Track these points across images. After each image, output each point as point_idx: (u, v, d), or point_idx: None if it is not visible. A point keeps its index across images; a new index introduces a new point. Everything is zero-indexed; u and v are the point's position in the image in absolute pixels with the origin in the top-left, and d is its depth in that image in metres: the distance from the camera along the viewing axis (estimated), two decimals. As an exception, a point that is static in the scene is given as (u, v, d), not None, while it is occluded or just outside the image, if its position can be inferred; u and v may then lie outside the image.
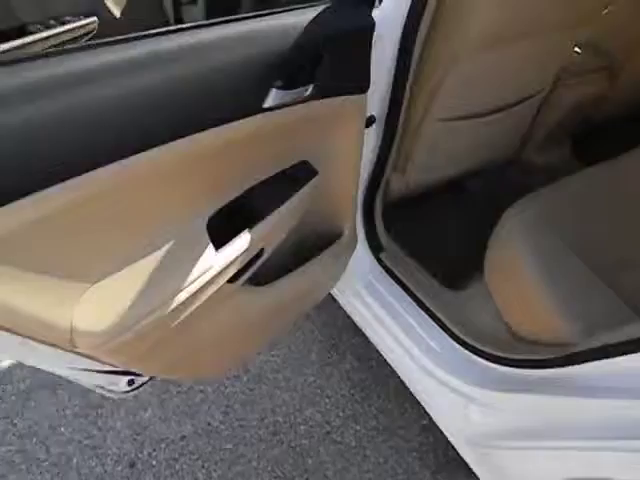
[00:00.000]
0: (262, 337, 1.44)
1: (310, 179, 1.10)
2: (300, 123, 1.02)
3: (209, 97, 0.82)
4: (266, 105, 0.89)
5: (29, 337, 0.77)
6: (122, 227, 0.82)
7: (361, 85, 1.10)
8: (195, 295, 0.91)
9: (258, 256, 1.05)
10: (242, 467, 1.61)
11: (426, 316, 1.50)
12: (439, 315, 1.47)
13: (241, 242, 0.96)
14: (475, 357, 1.35)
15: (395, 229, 1.71)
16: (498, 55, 1.41)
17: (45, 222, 0.70)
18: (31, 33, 1.21)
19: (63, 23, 1.32)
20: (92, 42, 0.73)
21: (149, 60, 0.75)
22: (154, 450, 1.64)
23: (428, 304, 1.50)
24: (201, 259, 0.89)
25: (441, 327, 1.45)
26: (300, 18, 0.91)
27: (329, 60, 0.97)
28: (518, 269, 1.35)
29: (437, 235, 1.80)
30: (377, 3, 1.07)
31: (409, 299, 1.54)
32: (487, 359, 1.34)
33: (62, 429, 1.68)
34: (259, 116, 0.90)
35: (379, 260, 1.62)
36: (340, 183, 1.24)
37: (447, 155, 1.77)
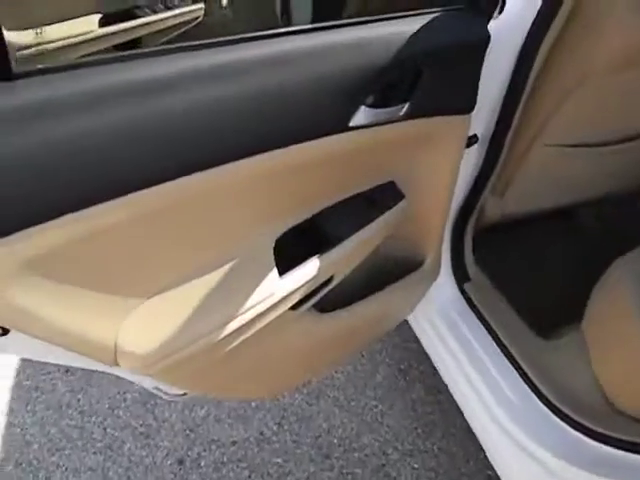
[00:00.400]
0: (324, 364, 1.35)
1: (396, 203, 1.00)
2: (389, 143, 0.92)
3: (291, 111, 0.74)
4: (353, 123, 0.80)
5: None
6: (180, 244, 0.76)
7: (465, 105, 0.98)
8: (252, 322, 0.84)
9: (326, 283, 0.97)
10: (288, 485, 1.54)
11: (507, 363, 1.34)
12: (523, 364, 1.30)
13: (309, 269, 0.88)
14: (561, 423, 1.17)
15: (485, 258, 1.56)
16: (631, 78, 1.24)
17: (99, 236, 0.65)
18: (139, 17, 1.21)
19: (170, 8, 1.30)
20: (171, 46, 0.68)
21: (228, 69, 0.68)
22: (204, 450, 1.60)
23: (511, 349, 1.34)
24: (263, 285, 0.82)
25: (524, 379, 1.28)
26: (401, 28, 0.81)
27: (430, 76, 0.86)
28: (623, 327, 1.16)
29: (533, 270, 1.61)
30: (496, 14, 0.95)
31: (490, 339, 1.39)
32: (577, 429, 1.16)
33: (120, 412, 1.69)
34: (344, 135, 0.81)
35: (462, 291, 1.49)
36: (429, 209, 1.13)
37: (557, 183, 1.59)
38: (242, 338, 0.85)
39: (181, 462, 1.58)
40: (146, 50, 0.65)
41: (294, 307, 0.94)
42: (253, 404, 1.72)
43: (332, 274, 0.96)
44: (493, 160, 1.30)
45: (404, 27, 0.81)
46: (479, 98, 1.19)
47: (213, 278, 0.80)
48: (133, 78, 0.62)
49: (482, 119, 1.23)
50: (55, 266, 0.63)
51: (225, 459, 1.59)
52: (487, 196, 1.53)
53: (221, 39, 0.70)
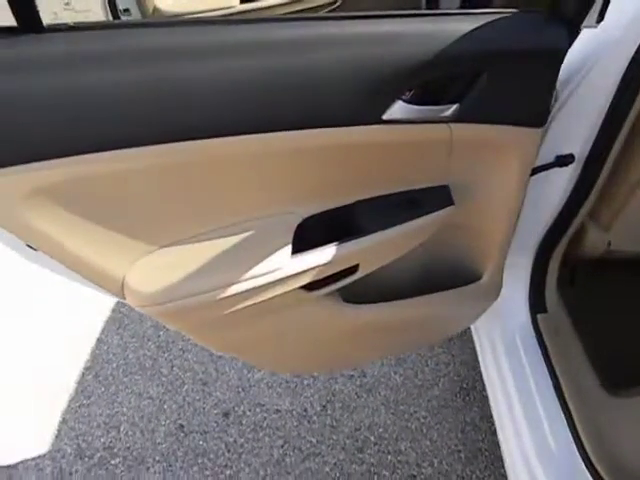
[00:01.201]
0: (347, 357, 1.33)
1: (440, 208, 0.96)
2: (437, 145, 0.88)
3: (325, 94, 0.75)
4: (387, 116, 0.79)
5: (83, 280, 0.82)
6: (201, 202, 0.81)
7: (534, 119, 0.90)
8: (257, 290, 0.87)
9: (351, 271, 0.97)
10: (315, 465, 1.57)
11: (560, 411, 1.20)
12: (576, 416, 1.16)
13: (326, 253, 0.89)
14: None
15: (570, 293, 1.42)
16: None
17: (119, 179, 0.71)
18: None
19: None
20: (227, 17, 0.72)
21: (279, 44, 0.72)
22: (249, 410, 1.69)
23: (569, 397, 1.20)
24: (272, 258, 0.84)
25: (572, 433, 1.14)
26: (461, 25, 0.77)
27: (489, 80, 0.81)
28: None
29: (622, 318, 1.43)
30: (594, 21, 0.85)
31: (548, 380, 1.26)
32: None
33: (189, 356, 1.85)
34: (377, 127, 0.80)
35: (534, 321, 1.37)
36: (485, 224, 1.06)
37: None
38: (246, 303, 0.89)
39: (226, 415, 1.69)
40: (185, 20, 0.71)
41: (312, 288, 0.96)
42: (305, 381, 1.77)
43: (356, 263, 0.95)
44: (589, 184, 1.18)
45: (464, 24, 0.77)
46: (580, 115, 1.08)
47: (226, 241, 0.84)
48: (158, 43, 0.68)
49: (580, 138, 1.12)
50: (74, 198, 0.71)
51: (265, 424, 1.66)
52: (588, 225, 1.38)
53: (265, 17, 0.74)
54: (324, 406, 1.71)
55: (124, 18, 1.76)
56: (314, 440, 1.63)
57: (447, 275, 1.17)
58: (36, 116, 0.63)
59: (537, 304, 1.38)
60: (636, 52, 0.95)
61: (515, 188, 1.00)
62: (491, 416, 1.65)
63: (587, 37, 0.92)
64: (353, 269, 0.96)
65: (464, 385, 1.76)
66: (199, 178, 0.78)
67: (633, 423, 1.19)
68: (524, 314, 1.39)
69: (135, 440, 1.64)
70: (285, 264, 0.86)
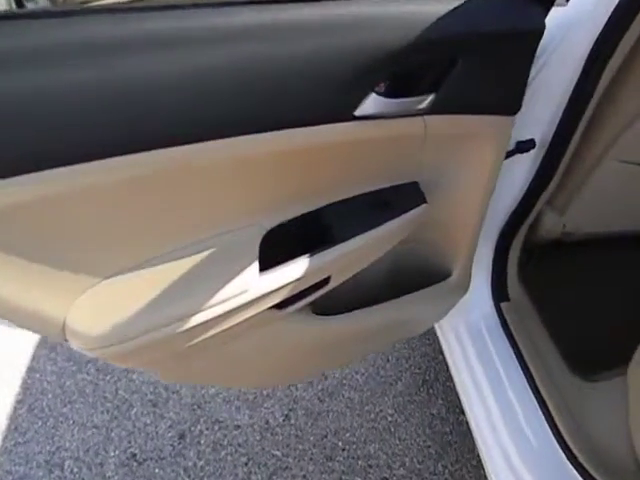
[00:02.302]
0: (318, 366, 1.26)
1: (413, 207, 0.89)
2: (409, 140, 0.80)
3: (287, 91, 0.65)
4: (360, 112, 0.70)
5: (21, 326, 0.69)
6: (156, 221, 0.69)
7: (509, 106, 0.84)
8: (222, 317, 0.76)
9: (322, 284, 0.88)
10: (283, 481, 1.49)
11: (532, 397, 1.19)
12: (549, 401, 1.15)
13: (298, 268, 0.79)
14: (578, 476, 1.02)
15: (531, 279, 1.40)
16: None
17: (54, 204, 0.59)
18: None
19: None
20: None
21: (215, 33, 0.60)
22: (207, 429, 1.58)
23: (540, 383, 1.19)
24: (238, 280, 0.74)
25: (547, 419, 1.13)
26: (433, 7, 0.69)
27: (466, 67, 0.74)
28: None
29: (585, 300, 1.44)
30: (562, 1, 0.80)
31: (518, 368, 1.24)
32: None
33: (134, 376, 1.70)
34: (349, 124, 0.71)
35: (498, 310, 1.34)
36: (458, 217, 1.00)
37: (629, 205, 1.40)
38: (210, 333, 0.78)
39: (182, 436, 1.56)
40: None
41: (281, 306, 0.86)
42: (264, 392, 1.67)
43: (328, 275, 0.87)
44: (551, 170, 1.15)
45: (439, 6, 0.69)
46: (541, 99, 1.04)
47: (181, 265, 0.73)
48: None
49: (542, 123, 1.08)
50: (3, 229, 0.59)
51: (225, 442, 1.55)
52: (544, 210, 1.37)
53: (215, 1, 0.62)
54: (286, 416, 1.62)
55: (30, 5, 1.55)
56: (279, 453, 1.54)
57: (415, 275, 1.11)
58: None
59: (500, 293, 1.36)
60: (602, 32, 0.91)
61: (487, 179, 0.94)
62: (456, 406, 1.63)
63: (552, 16, 0.87)
64: (325, 281, 0.88)
65: (426, 377, 1.73)
66: (145, 194, 0.66)
67: (606, 407, 1.18)
68: (488, 304, 1.36)
69: (82, 477, 1.48)
70: (253, 285, 0.76)
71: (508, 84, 0.80)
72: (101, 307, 0.69)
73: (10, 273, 0.61)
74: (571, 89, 0.98)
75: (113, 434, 1.56)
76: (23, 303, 0.63)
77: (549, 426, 1.14)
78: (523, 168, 1.16)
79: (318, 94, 0.67)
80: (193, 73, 0.60)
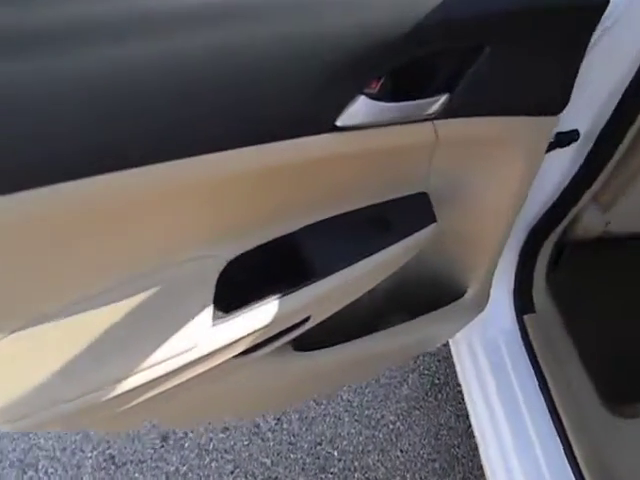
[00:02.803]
0: (307, 395, 1.10)
1: (419, 228, 0.69)
2: (413, 149, 0.61)
3: (246, 97, 0.47)
4: (343, 122, 0.51)
5: None
6: (73, 257, 0.52)
7: (552, 102, 0.64)
8: (162, 379, 0.59)
9: (299, 324, 0.71)
10: (271, 493, 1.37)
11: (552, 427, 1.02)
12: (571, 435, 0.99)
13: (267, 310, 0.62)
14: None
15: (561, 287, 1.20)
16: None
17: None
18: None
19: None
20: None
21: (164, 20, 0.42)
22: (191, 432, 1.45)
23: (562, 411, 1.02)
24: (186, 330, 0.57)
25: (567, 454, 0.97)
26: None
27: (494, 56, 0.54)
28: None
29: (625, 314, 1.23)
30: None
31: (540, 394, 1.07)
32: None
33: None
34: (328, 137, 0.52)
35: (520, 323, 1.16)
36: (477, 233, 0.82)
37: None
38: (148, 395, 0.62)
39: (165, 439, 1.44)
40: None
41: (246, 352, 0.69)
42: (256, 390, 1.54)
43: (307, 316, 0.70)
44: (600, 164, 0.95)
45: None
46: (589, 84, 0.82)
47: (111, 313, 0.56)
48: None
49: (589, 112, 0.87)
50: None
51: (211, 446, 1.43)
52: (586, 206, 1.15)
53: None
54: (279, 419, 1.48)
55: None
56: (269, 461, 1.41)
57: (422, 297, 0.93)
58: None
59: (523, 303, 1.17)
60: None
61: (518, 189, 0.75)
62: (467, 416, 1.46)
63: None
64: (303, 321, 0.70)
65: (435, 381, 1.57)
66: (63, 228, 0.49)
67: (638, 445, 1.01)
68: (508, 315, 1.18)
69: (57, 479, 1.38)
70: (204, 338, 0.59)
71: (553, 76, 0.59)
72: (5, 369, 0.54)
73: None
74: (631, 75, 0.76)
75: (92, 434, 1.44)
76: None
77: (569, 462, 0.99)
78: (562, 161, 0.96)
79: (283, 99, 0.48)
80: (144, 75, 0.42)
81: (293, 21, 0.45)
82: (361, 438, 1.45)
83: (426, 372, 1.58)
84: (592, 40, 0.75)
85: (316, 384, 0.94)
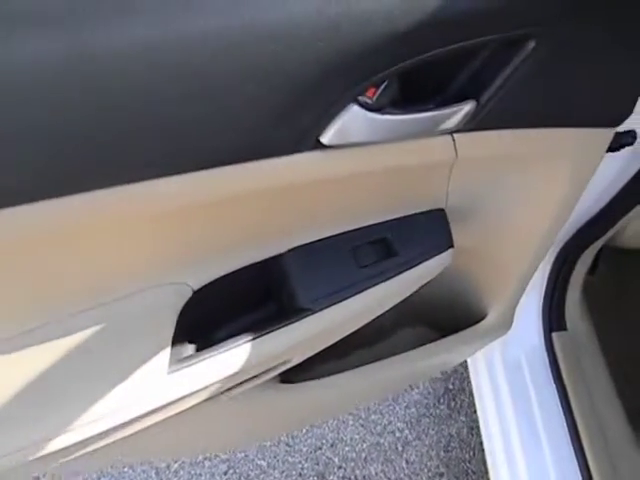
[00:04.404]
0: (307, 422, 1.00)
1: (432, 256, 0.56)
2: (428, 168, 0.47)
3: (210, 112, 0.35)
4: (330, 139, 0.38)
5: None
6: (18, 282, 0.42)
7: (613, 111, 0.51)
8: (109, 432, 0.49)
9: (278, 365, 0.59)
10: (265, 498, 1.29)
11: (577, 467, 0.91)
12: (593, 466, 0.88)
13: (238, 353, 0.50)
14: None
15: (599, 303, 1.06)
16: None
17: None
18: None
19: None
20: None
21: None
22: (185, 425, 1.39)
23: (589, 448, 0.91)
24: (135, 379, 0.47)
25: None
26: None
27: (541, 52, 0.40)
28: None
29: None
30: None
31: (564, 423, 0.95)
32: None
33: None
34: (313, 155, 0.40)
35: (548, 341, 1.03)
36: (505, 256, 0.69)
37: None
38: (93, 448, 0.52)
39: (157, 432, 1.38)
40: None
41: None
42: (256, 385, 1.45)
43: (287, 359, 0.58)
44: None
45: None
46: None
47: (44, 353, 0.45)
48: None
49: None
50: None
51: (205, 443, 1.36)
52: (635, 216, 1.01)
53: None
54: (278, 418, 1.40)
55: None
56: (264, 464, 1.33)
57: (436, 319, 0.81)
58: None
59: (554, 320, 1.04)
60: None
61: (560, 211, 0.62)
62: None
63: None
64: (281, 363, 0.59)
65: (449, 386, 1.45)
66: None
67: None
68: (535, 332, 1.05)
69: (44, 467, 1.34)
70: (156, 389, 0.48)
71: (616, 79, 0.45)
72: None
73: None
74: None
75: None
76: None
77: None
78: (612, 166, 0.82)
79: (252, 110, 0.35)
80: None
81: (261, 7, 0.32)
82: (365, 445, 1.36)
83: (440, 376, 1.46)
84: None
85: (311, 414, 0.84)
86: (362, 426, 1.38)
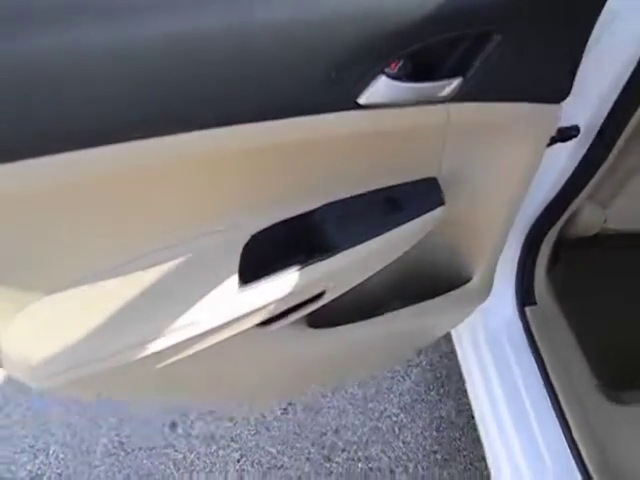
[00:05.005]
0: (317, 381, 1.14)
1: (429, 210, 0.74)
2: (427, 131, 0.65)
3: (272, 74, 0.51)
4: (366, 100, 0.55)
5: None
6: (108, 225, 0.56)
7: (556, 90, 0.69)
8: (190, 342, 0.64)
9: (316, 298, 0.75)
10: (277, 480, 1.40)
11: (553, 415, 1.06)
12: (572, 422, 1.03)
13: (287, 281, 0.66)
14: None
15: (561, 280, 1.25)
16: None
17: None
18: None
19: None
20: None
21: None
22: (199, 419, 1.48)
23: (563, 399, 1.06)
24: (214, 295, 0.61)
25: (567, 441, 1.01)
26: None
27: (504, 43, 0.58)
28: None
29: (622, 307, 1.28)
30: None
31: (540, 380, 1.11)
32: None
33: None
34: (350, 114, 0.56)
35: (522, 314, 1.20)
36: (483, 218, 0.85)
37: None
38: (175, 358, 0.66)
39: (174, 426, 1.47)
40: None
41: (265, 323, 0.74)
42: (262, 381, 1.57)
43: (322, 290, 0.74)
44: (598, 160, 1.00)
45: None
46: (590, 79, 0.87)
47: (143, 278, 0.60)
48: None
49: (589, 107, 0.91)
50: None
51: (218, 435, 1.46)
52: (585, 203, 1.20)
53: None
54: (284, 409, 1.51)
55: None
56: (274, 450, 1.45)
57: (430, 280, 0.97)
58: None
59: (525, 296, 1.21)
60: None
61: (522, 176, 0.79)
62: (468, 409, 1.50)
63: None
64: (319, 295, 0.75)
65: (438, 375, 1.61)
66: (99, 195, 0.53)
67: (638, 435, 1.05)
68: (510, 307, 1.22)
69: (67, 464, 1.41)
70: (230, 303, 0.63)
71: (557, 63, 0.64)
72: (41, 329, 0.58)
73: None
74: (630, 70, 0.81)
75: (101, 420, 1.49)
76: None
77: (569, 448, 1.02)
78: (562, 157, 1.00)
79: (309, 76, 0.52)
80: (165, 64, 0.46)
81: (322, 5, 0.49)
82: (365, 429, 1.49)
83: (429, 367, 1.62)
84: (593, 38, 0.80)
85: (326, 366, 0.98)
86: (361, 413, 1.51)
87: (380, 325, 0.93)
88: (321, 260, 0.68)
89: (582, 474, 0.98)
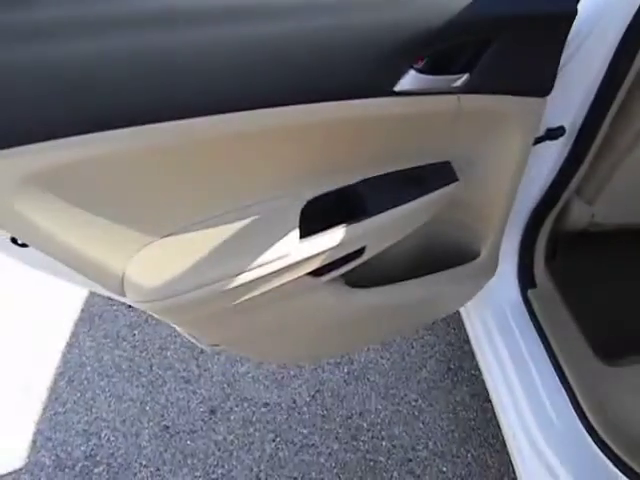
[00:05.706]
0: (349, 341, 1.30)
1: (445, 185, 0.93)
2: (444, 118, 0.85)
3: (328, 64, 0.70)
4: (399, 88, 0.74)
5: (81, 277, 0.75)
6: (201, 187, 0.75)
7: (540, 87, 0.88)
8: (265, 279, 0.82)
9: (357, 254, 0.93)
10: (309, 457, 1.53)
11: (558, 381, 1.21)
12: (575, 386, 1.18)
13: (334, 236, 0.84)
14: (603, 456, 1.05)
15: (559, 266, 1.42)
16: None
17: (115, 164, 0.65)
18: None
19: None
20: None
21: (275, 7, 0.65)
22: (236, 406, 1.64)
23: (565, 367, 1.21)
24: (280, 243, 0.79)
25: (572, 402, 1.16)
26: None
27: (499, 48, 0.78)
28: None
29: (611, 288, 1.45)
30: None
31: (544, 354, 1.27)
32: (618, 466, 1.03)
33: (168, 354, 1.77)
34: (388, 100, 0.75)
35: (525, 297, 1.37)
36: (487, 198, 1.04)
37: None
38: (255, 293, 0.84)
39: (213, 412, 1.63)
40: None
41: (318, 274, 0.91)
42: (292, 372, 1.72)
43: (363, 245, 0.92)
44: (579, 157, 1.17)
45: None
46: (572, 85, 1.06)
47: (230, 228, 0.78)
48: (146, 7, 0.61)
49: (572, 110, 1.10)
50: (66, 185, 0.64)
51: (254, 419, 1.61)
52: (572, 199, 1.39)
53: None
54: (313, 396, 1.67)
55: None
56: (306, 431, 1.59)
57: (444, 254, 1.15)
58: (20, 92, 0.56)
59: (527, 280, 1.38)
60: (634, 18, 0.93)
61: (517, 160, 0.98)
62: (481, 395, 1.66)
63: (585, 3, 0.90)
64: (359, 252, 0.92)
65: (451, 365, 1.76)
66: (196, 161, 0.71)
67: (630, 389, 1.20)
68: (514, 290, 1.39)
69: (118, 446, 1.56)
70: (293, 250, 0.81)
71: (539, 66, 0.83)
72: (157, 263, 0.75)
73: (76, 224, 0.67)
74: (602, 76, 1.01)
75: (147, 407, 1.63)
76: (87, 254, 0.69)
77: (573, 407, 1.17)
78: (552, 155, 1.18)
79: (360, 68, 0.71)
80: (240, 43, 0.65)
81: (366, 16, 0.69)
82: (387, 412, 1.63)
83: (442, 359, 1.77)
84: (572, 49, 1.00)
85: (357, 323, 1.14)
86: (383, 399, 1.66)
87: (403, 289, 1.10)
88: (361, 220, 0.87)
89: (586, 428, 1.12)
